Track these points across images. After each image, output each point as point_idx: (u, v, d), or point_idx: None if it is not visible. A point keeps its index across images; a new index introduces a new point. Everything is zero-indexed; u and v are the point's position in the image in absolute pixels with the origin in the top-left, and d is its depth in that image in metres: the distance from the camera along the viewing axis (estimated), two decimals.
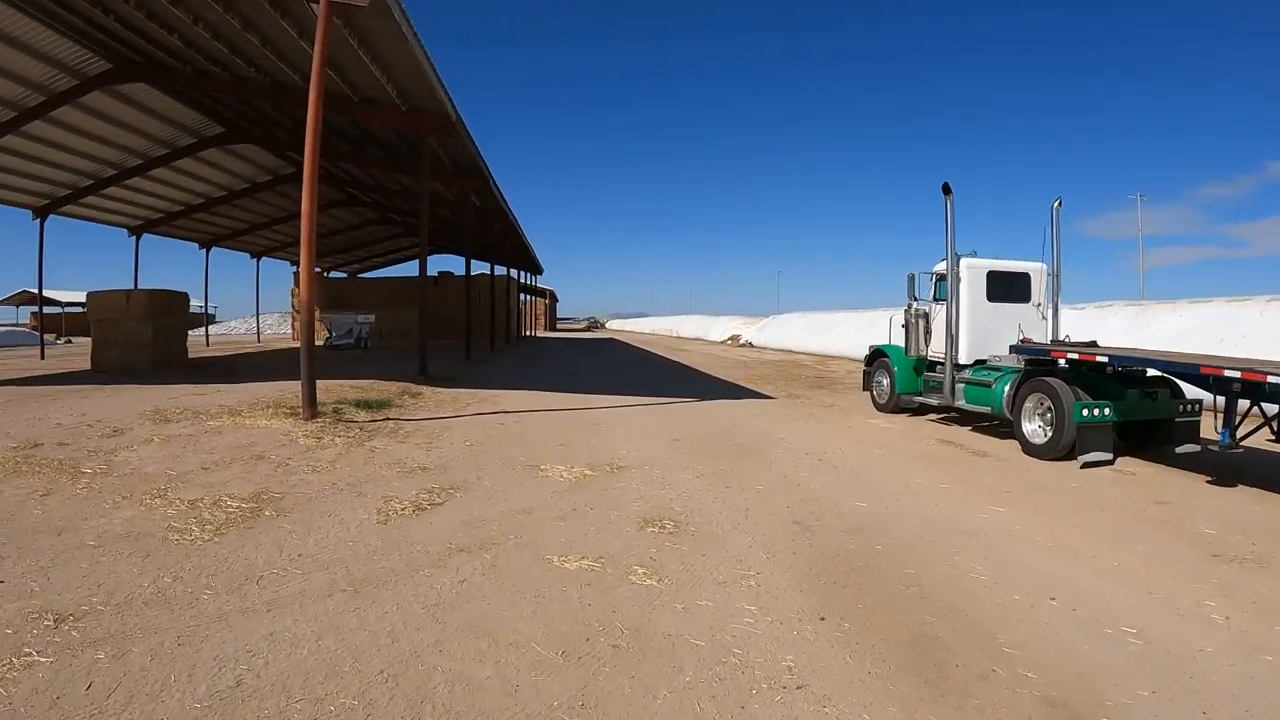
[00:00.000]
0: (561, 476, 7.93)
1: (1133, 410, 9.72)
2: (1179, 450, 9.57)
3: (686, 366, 26.96)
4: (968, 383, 12.00)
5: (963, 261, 12.15)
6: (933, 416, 13.65)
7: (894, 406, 14.02)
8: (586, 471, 8.18)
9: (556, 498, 7.14)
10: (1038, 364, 10.67)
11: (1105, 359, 9.64)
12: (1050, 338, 12.41)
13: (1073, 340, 11.68)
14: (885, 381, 14.23)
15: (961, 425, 12.79)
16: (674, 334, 66.46)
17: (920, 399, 13.46)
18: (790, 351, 37.58)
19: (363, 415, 11.33)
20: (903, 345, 13.64)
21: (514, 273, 45.60)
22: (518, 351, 34.79)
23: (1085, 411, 9.21)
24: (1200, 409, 9.94)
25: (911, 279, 13.05)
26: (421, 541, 5.75)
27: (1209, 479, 8.76)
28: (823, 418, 13.38)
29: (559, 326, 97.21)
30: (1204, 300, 17.00)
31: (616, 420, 12.14)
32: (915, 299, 13.23)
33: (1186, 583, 5.48)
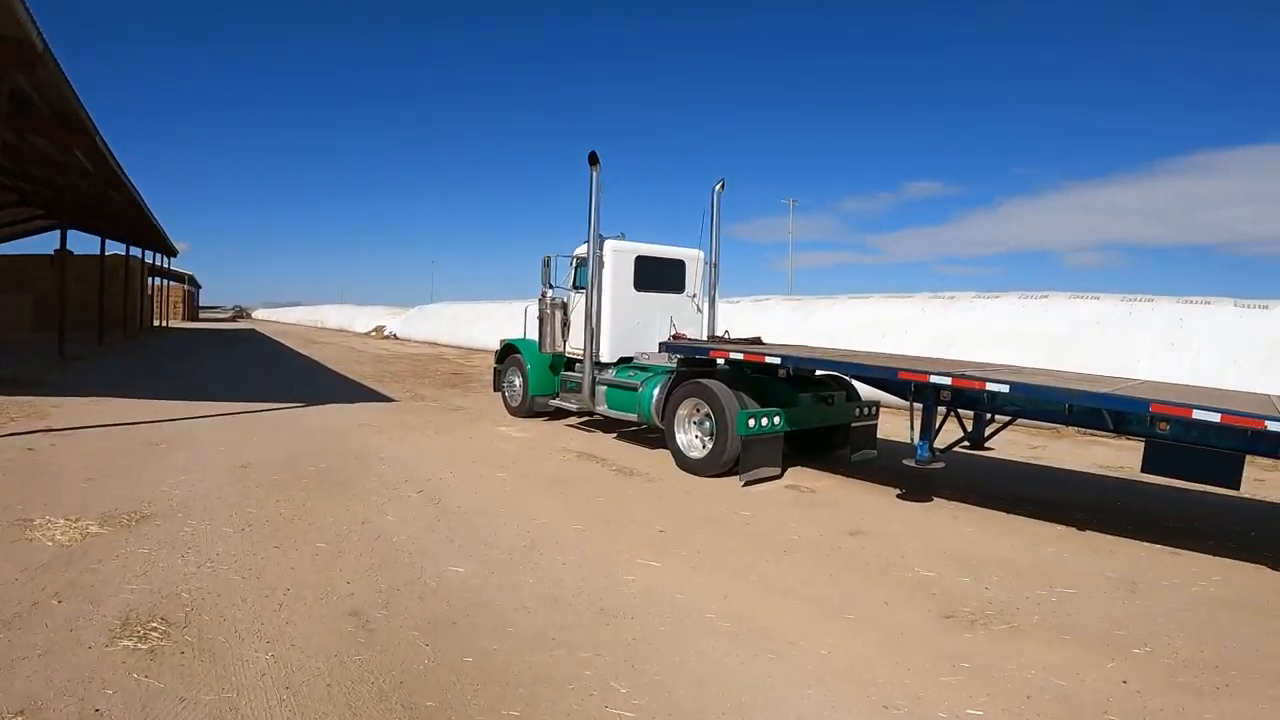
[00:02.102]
0: (53, 539, 5.61)
1: (806, 417, 8.65)
2: (855, 458, 8.74)
3: (315, 362, 24.30)
4: (610, 385, 10.48)
5: (607, 244, 10.65)
6: (573, 420, 12.03)
7: (528, 410, 12.32)
8: (93, 528, 5.88)
9: (22, 581, 4.78)
10: (693, 364, 9.26)
11: (778, 361, 8.24)
12: (707, 333, 11.36)
13: (733, 336, 10.59)
14: (518, 382, 12.57)
15: (606, 431, 11.20)
16: (320, 324, 65.58)
17: (556, 402, 11.77)
18: (435, 344, 35.99)
19: None
20: (538, 340, 11.87)
21: (145, 255, 39.83)
22: (134, 346, 28.80)
23: (752, 421, 7.86)
24: (878, 412, 9.23)
25: (547, 263, 11.38)
26: None
27: (898, 492, 7.66)
28: (445, 426, 11.60)
29: (202, 316, 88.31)
30: (864, 295, 17.40)
31: (190, 437, 9.90)
32: (551, 286, 11.56)
33: (929, 674, 3.83)
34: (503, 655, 3.86)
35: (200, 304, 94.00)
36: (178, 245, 46.28)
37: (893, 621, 4.49)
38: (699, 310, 11.59)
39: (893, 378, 7.18)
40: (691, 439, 8.63)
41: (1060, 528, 6.57)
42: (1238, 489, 5.91)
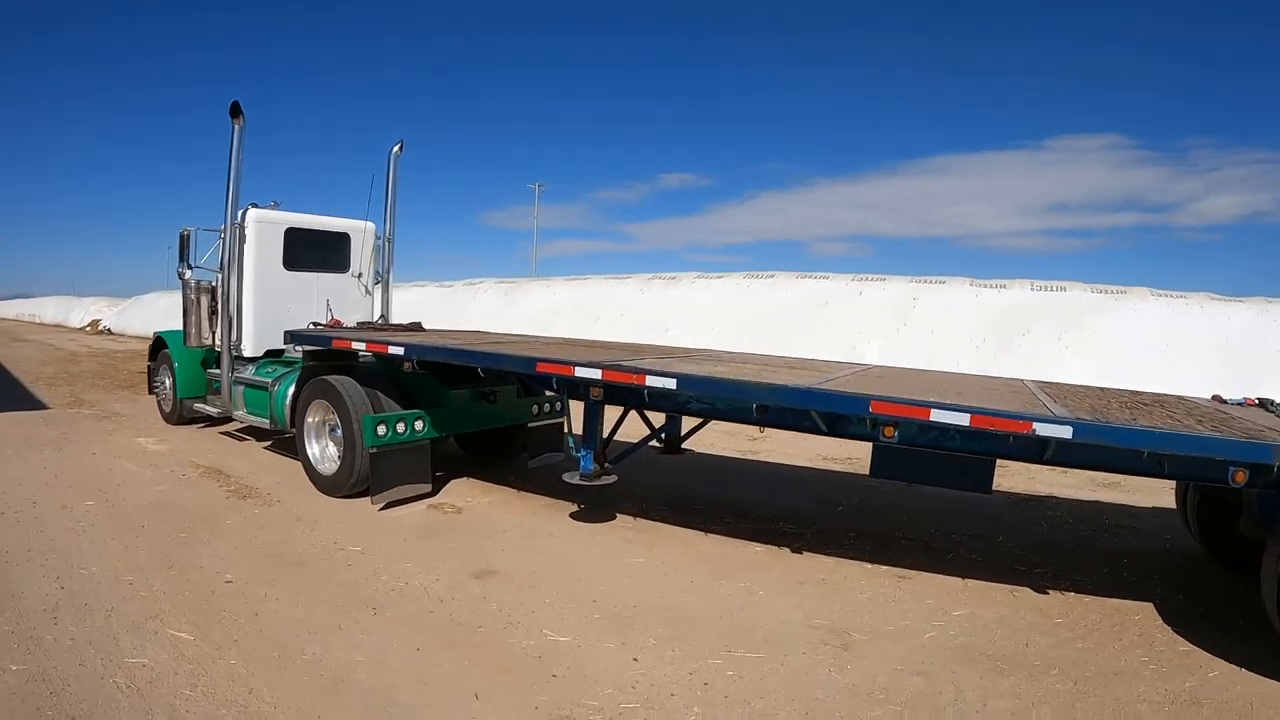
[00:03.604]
0: None
1: (462, 419, 7.25)
2: (533, 464, 7.46)
3: None
4: (247, 384, 8.75)
5: (251, 213, 8.94)
6: (233, 427, 9.92)
7: (179, 416, 10.25)
8: None
9: None
10: (326, 357, 7.74)
11: (401, 351, 6.73)
12: (379, 319, 9.92)
13: (391, 322, 9.37)
14: (168, 382, 10.59)
15: (262, 439, 9.27)
16: (37, 319, 60.64)
17: (201, 406, 9.81)
18: (148, 339, 31.34)
19: None
20: (182, 332, 10.01)
21: None
22: None
23: (382, 428, 6.34)
24: (565, 407, 7.64)
25: (185, 239, 9.31)
26: None
27: (574, 509, 6.21)
28: (76, 439, 9.50)
29: None
30: (580, 277, 16.51)
31: None
32: (191, 266, 9.52)
33: None
34: None
35: None
36: None
37: None
38: (367, 293, 9.97)
39: (529, 370, 5.69)
40: (325, 450, 6.98)
41: (760, 548, 5.33)
42: (989, 493, 4.64)
